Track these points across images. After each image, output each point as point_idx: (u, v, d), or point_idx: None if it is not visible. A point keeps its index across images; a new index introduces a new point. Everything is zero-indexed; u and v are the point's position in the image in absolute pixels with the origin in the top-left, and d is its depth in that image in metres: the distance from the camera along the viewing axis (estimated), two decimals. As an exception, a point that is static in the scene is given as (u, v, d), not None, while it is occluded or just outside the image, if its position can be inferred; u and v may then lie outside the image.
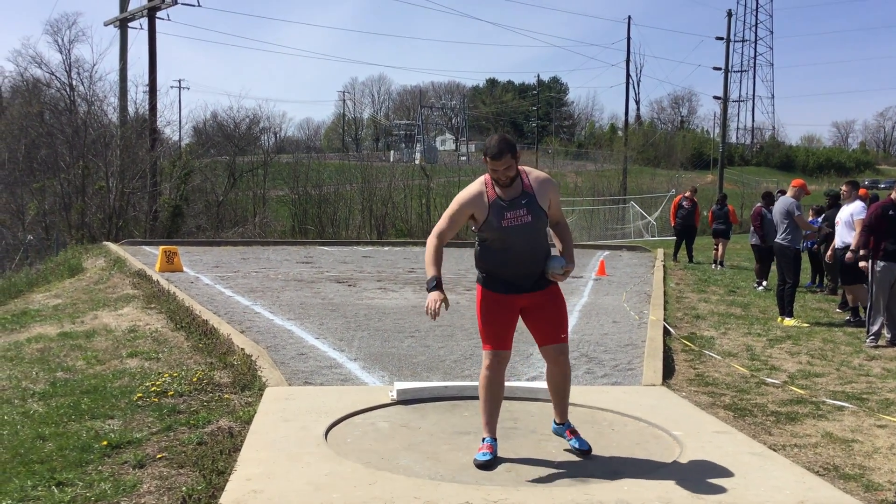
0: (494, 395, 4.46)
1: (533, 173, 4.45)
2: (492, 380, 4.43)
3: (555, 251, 4.52)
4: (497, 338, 4.42)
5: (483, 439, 4.48)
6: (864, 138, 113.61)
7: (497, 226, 4.29)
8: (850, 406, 6.01)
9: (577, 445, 4.56)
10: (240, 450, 4.49)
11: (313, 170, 38.49)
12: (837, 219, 10.52)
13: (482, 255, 4.47)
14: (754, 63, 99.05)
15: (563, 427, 4.66)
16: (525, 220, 4.30)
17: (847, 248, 9.53)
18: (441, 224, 4.45)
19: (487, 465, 4.30)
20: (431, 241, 4.45)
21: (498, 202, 4.32)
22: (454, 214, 4.40)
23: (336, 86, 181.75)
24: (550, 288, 4.47)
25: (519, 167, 4.38)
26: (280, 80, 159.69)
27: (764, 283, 13.59)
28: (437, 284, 4.30)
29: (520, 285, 4.39)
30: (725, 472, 4.27)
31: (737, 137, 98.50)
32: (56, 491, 3.93)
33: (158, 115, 29.18)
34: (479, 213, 4.35)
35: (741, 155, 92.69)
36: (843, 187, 10.55)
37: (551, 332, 4.45)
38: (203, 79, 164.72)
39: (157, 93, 28.35)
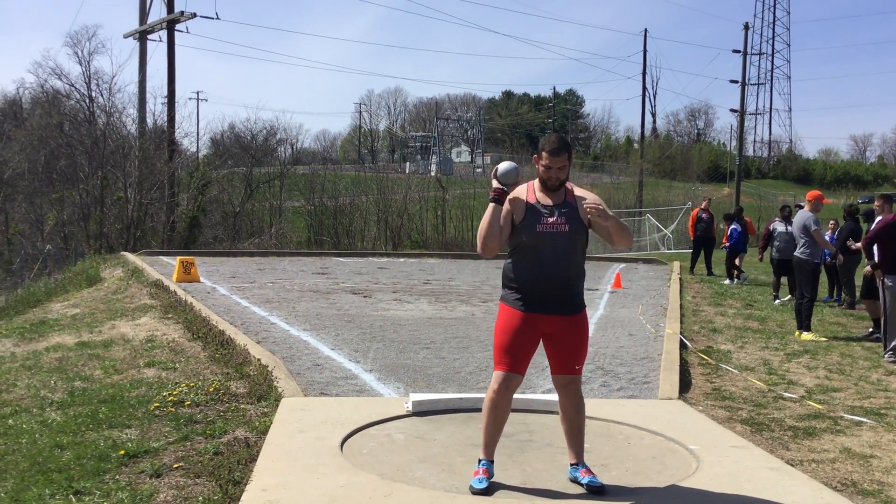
0: (499, 419, 4.27)
1: (577, 188, 4.30)
2: (498, 403, 4.22)
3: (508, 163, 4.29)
4: (513, 358, 4.17)
5: (479, 461, 4.30)
6: (882, 151, 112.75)
7: (532, 230, 4.12)
8: (868, 421, 5.96)
9: (588, 483, 4.20)
10: (256, 460, 4.50)
11: (329, 181, 38.68)
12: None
13: (512, 265, 4.25)
14: (771, 76, 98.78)
15: (578, 467, 4.32)
16: (562, 230, 4.12)
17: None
18: None
19: (484, 492, 4.10)
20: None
21: (537, 206, 4.16)
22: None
23: (352, 98, 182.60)
24: (578, 316, 4.23)
25: (568, 183, 4.26)
26: (297, 91, 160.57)
27: (777, 295, 13.53)
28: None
29: (546, 303, 4.15)
30: (742, 487, 4.25)
31: (754, 150, 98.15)
32: (74, 500, 3.96)
33: (176, 127, 29.46)
34: (517, 214, 4.18)
35: (758, 168, 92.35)
36: (877, 202, 10.28)
37: (567, 362, 4.24)
38: (221, 90, 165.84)
39: (176, 104, 28.60)
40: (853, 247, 11.00)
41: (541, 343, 4.31)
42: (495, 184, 4.22)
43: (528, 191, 4.24)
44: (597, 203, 4.01)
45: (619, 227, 4.12)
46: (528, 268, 4.18)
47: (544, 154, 4.15)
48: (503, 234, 4.21)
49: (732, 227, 17.15)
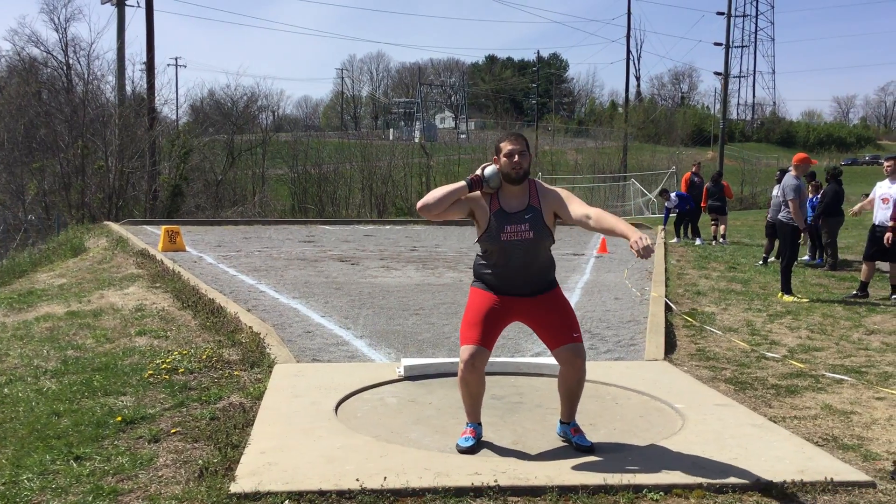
0: (472, 391, 4.28)
1: (543, 188, 4.26)
2: (466, 379, 4.19)
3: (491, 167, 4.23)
4: (480, 332, 4.16)
5: (466, 424, 4.39)
6: (864, 113, 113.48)
7: (496, 239, 4.15)
8: (848, 379, 6.11)
9: (577, 442, 4.31)
10: (252, 424, 4.59)
11: (312, 148, 38.50)
12: (872, 194, 10.42)
13: (482, 265, 4.33)
14: (755, 38, 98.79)
15: (569, 426, 4.41)
16: (526, 237, 4.13)
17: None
18: None
19: (470, 451, 4.20)
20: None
21: (501, 212, 4.17)
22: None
23: (334, 63, 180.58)
24: (550, 293, 4.28)
25: (531, 179, 4.25)
26: (278, 57, 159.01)
27: (766, 258, 13.68)
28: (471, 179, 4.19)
29: (515, 291, 4.23)
30: (727, 444, 4.37)
31: (737, 113, 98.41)
32: (75, 465, 4.02)
33: (156, 94, 29.14)
34: (481, 218, 4.21)
35: (742, 131, 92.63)
36: (886, 162, 10.32)
37: (562, 332, 4.20)
38: (200, 56, 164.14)
39: (155, 71, 28.28)
40: (853, 213, 11.04)
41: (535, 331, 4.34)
42: (478, 173, 4.25)
43: (493, 198, 4.22)
44: (640, 246, 3.78)
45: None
46: (497, 270, 4.24)
47: (503, 144, 4.18)
48: (447, 212, 4.21)
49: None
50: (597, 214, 4.10)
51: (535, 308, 4.25)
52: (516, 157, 4.13)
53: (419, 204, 4.24)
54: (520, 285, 4.22)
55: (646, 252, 3.75)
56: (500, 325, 4.28)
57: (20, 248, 21.25)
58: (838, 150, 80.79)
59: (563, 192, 4.27)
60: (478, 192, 4.24)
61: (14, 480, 3.82)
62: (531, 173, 4.30)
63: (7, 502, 3.59)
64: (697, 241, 17.32)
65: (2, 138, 29.15)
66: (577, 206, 4.18)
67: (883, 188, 10.08)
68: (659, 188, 19.54)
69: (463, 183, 4.24)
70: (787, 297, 9.98)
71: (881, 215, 10.01)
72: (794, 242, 10.16)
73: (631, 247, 3.80)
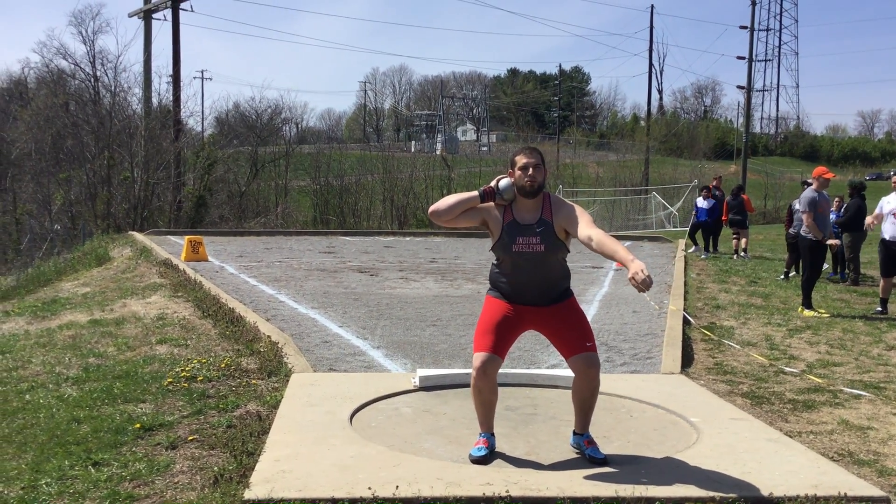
0: (484, 400, 4.31)
1: (557, 202, 4.27)
2: (479, 387, 4.23)
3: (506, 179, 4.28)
4: (493, 339, 4.20)
5: (480, 434, 4.42)
6: (889, 128, 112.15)
7: (508, 249, 4.20)
8: (867, 395, 6.06)
9: (590, 454, 4.31)
10: (268, 433, 4.63)
11: (335, 160, 38.73)
12: (879, 209, 10.31)
13: (496, 274, 4.38)
14: (779, 52, 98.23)
15: (583, 437, 4.42)
16: (537, 250, 4.16)
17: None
18: None
19: (483, 461, 4.23)
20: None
21: (513, 224, 4.21)
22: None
23: (357, 76, 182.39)
24: (564, 302, 4.28)
25: (546, 193, 4.28)
26: (302, 70, 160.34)
27: (787, 272, 13.58)
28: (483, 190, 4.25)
29: (528, 300, 4.26)
30: (741, 458, 4.36)
31: (761, 127, 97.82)
32: (93, 470, 4.09)
33: (182, 106, 29.48)
34: (494, 228, 4.26)
35: (765, 145, 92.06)
36: (895, 178, 10.24)
37: (576, 341, 4.19)
38: (225, 69, 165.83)
39: (181, 84, 28.63)
40: (869, 225, 10.92)
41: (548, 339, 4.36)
42: (493, 184, 4.31)
43: (506, 210, 4.27)
44: (639, 280, 3.72)
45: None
46: (509, 280, 4.30)
47: (517, 158, 4.23)
48: (457, 220, 4.28)
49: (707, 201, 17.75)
50: (598, 237, 4.05)
51: (549, 317, 4.27)
52: (531, 170, 4.17)
53: (431, 209, 4.32)
54: (533, 295, 4.25)
55: (644, 285, 3.71)
56: (514, 333, 4.31)
57: (46, 257, 21.57)
58: (863, 165, 79.96)
59: (577, 209, 4.26)
60: (491, 203, 4.29)
61: (33, 485, 3.90)
62: (552, 187, 4.34)
63: (26, 506, 3.66)
64: (703, 255, 17.37)
65: (30, 149, 29.61)
66: (583, 226, 4.14)
67: (893, 203, 9.99)
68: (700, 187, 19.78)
69: (475, 193, 4.29)
70: (807, 312, 9.91)
71: (893, 230, 9.92)
72: (816, 257, 10.09)
73: (630, 278, 3.76)
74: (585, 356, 4.18)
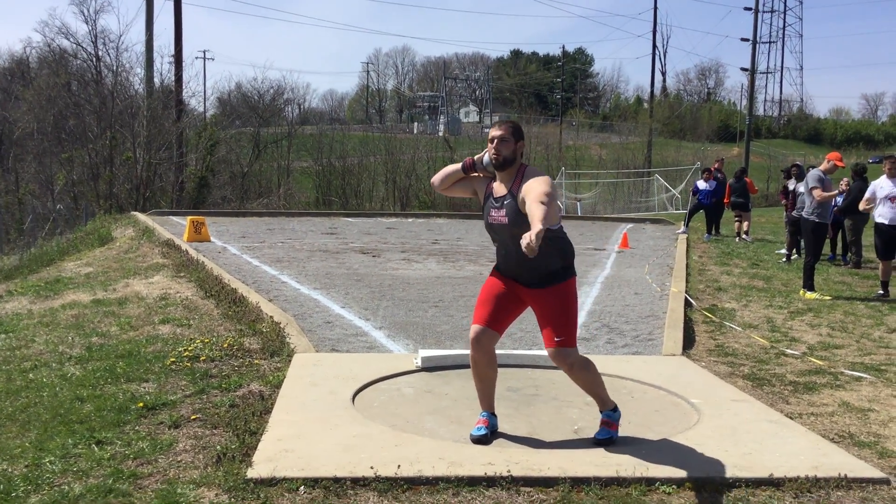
0: (483, 376, 4.37)
1: (531, 174, 4.12)
2: (477, 360, 4.30)
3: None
4: (487, 312, 4.26)
5: (481, 413, 4.46)
6: (893, 111, 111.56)
7: (486, 220, 4.29)
8: (867, 377, 6.08)
9: (596, 435, 4.34)
10: (270, 412, 4.66)
11: (337, 141, 38.64)
12: (870, 193, 10.28)
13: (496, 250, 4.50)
14: (783, 34, 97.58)
15: (602, 415, 4.41)
16: (503, 221, 4.17)
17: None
18: None
19: (483, 441, 4.25)
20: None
21: (488, 197, 4.28)
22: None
23: (360, 57, 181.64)
24: (550, 288, 4.18)
25: (523, 164, 4.22)
26: (304, 51, 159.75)
27: (789, 254, 13.57)
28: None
29: (518, 277, 4.26)
30: (742, 439, 4.38)
31: (764, 110, 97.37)
32: (96, 449, 4.11)
33: (184, 87, 29.40)
34: (481, 200, 4.36)
35: (768, 127, 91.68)
36: (887, 164, 10.16)
37: (547, 334, 4.17)
38: (227, 49, 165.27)
39: (183, 64, 28.54)
40: (863, 208, 10.91)
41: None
42: (477, 157, 4.37)
43: (489, 182, 4.33)
44: (523, 244, 3.53)
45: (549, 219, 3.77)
46: (497, 254, 4.42)
47: (489, 131, 4.30)
48: (452, 188, 4.46)
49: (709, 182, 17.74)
50: (529, 206, 3.84)
51: (533, 302, 4.27)
52: (496, 142, 4.18)
53: (433, 179, 4.54)
54: (517, 271, 4.27)
55: (527, 249, 3.47)
56: (510, 308, 4.33)
57: (48, 238, 21.56)
58: (866, 148, 79.64)
59: (537, 181, 3.99)
60: (478, 175, 4.38)
61: (37, 463, 3.92)
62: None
63: (29, 484, 3.68)
64: (705, 237, 17.38)
65: (32, 129, 29.59)
66: (531, 200, 3.85)
67: (887, 188, 9.96)
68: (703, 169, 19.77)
69: (458, 165, 4.43)
70: (809, 295, 9.92)
71: (892, 213, 9.89)
72: (817, 239, 10.09)
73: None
74: (552, 351, 4.17)
